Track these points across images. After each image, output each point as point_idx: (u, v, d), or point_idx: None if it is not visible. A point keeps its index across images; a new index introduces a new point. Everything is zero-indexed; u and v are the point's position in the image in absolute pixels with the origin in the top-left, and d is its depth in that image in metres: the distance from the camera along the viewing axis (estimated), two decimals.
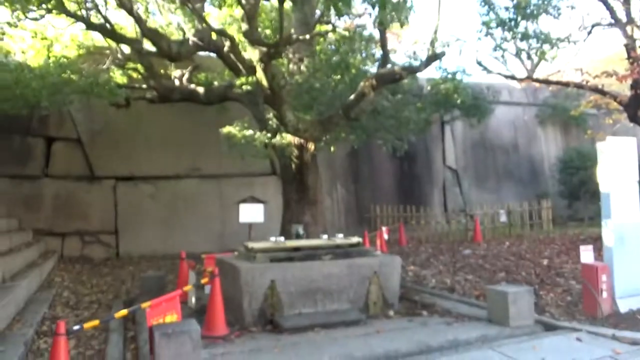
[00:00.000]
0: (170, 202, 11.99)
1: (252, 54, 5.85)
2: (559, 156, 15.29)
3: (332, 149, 8.30)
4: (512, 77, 10.24)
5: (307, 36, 6.56)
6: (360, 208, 13.49)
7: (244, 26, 5.68)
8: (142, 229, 11.55)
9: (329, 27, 9.82)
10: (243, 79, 6.80)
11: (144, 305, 3.78)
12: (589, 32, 10.36)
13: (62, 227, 11.19)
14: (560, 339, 4.42)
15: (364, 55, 9.14)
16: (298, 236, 6.20)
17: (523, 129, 16.33)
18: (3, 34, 8.07)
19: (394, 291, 5.65)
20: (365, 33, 9.90)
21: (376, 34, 10.50)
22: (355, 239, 6.00)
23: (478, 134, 15.31)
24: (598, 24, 10.45)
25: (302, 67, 8.05)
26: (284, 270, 5.17)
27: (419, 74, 10.62)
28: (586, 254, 5.27)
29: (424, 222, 12.67)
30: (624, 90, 9.69)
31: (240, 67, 6.36)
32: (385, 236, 10.97)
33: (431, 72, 9.74)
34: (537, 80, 10.43)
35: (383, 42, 6.53)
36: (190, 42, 7.28)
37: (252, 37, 5.63)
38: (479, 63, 10.10)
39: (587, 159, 14.37)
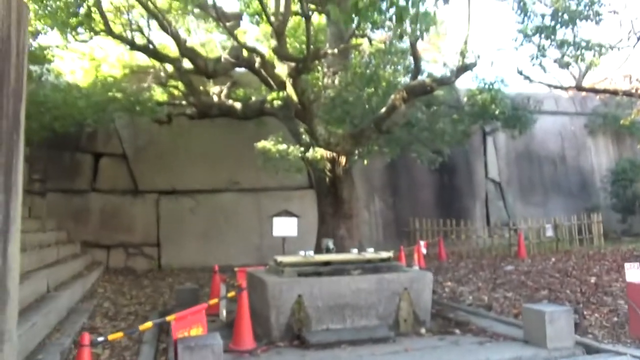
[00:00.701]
0: (209, 216, 12.25)
1: (281, 69, 5.93)
2: (611, 168, 14.51)
3: (365, 162, 8.23)
4: (557, 86, 9.86)
5: (336, 50, 6.58)
6: (398, 221, 13.27)
7: (274, 42, 5.76)
8: (182, 241, 11.84)
9: (364, 40, 9.88)
10: (274, 94, 6.89)
11: (169, 318, 3.84)
12: (639, 38, 9.85)
13: (108, 240, 11.65)
14: None
15: (399, 68, 9.06)
16: (328, 250, 6.16)
17: (571, 139, 15.63)
18: (53, 56, 8.57)
19: (426, 308, 5.48)
20: (402, 45, 9.86)
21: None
22: (385, 254, 5.88)
23: (522, 145, 14.78)
24: None
25: (335, 81, 8.08)
26: (312, 285, 5.13)
27: (457, 86, 10.46)
28: (632, 272, 4.93)
29: (464, 236, 12.32)
30: None
31: (272, 82, 6.45)
32: (424, 250, 10.74)
33: (470, 83, 9.49)
34: (583, 89, 9.99)
35: (415, 54, 6.44)
36: (223, 59, 7.46)
37: (281, 53, 5.70)
38: (520, 72, 9.82)
39: None
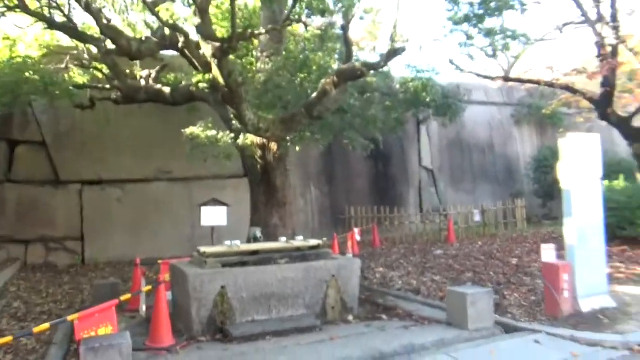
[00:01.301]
0: (138, 206, 11.64)
1: (205, 49, 5.63)
2: (534, 155, 15.28)
3: (297, 148, 8.08)
4: (485, 76, 10.15)
5: (263, 30, 6.34)
6: (334, 209, 13.28)
7: (197, 20, 5.45)
8: (109, 234, 11.18)
9: (300, 26, 9.67)
10: (200, 76, 6.56)
11: (71, 317, 3.51)
12: (561, 30, 10.34)
13: (26, 234, 10.78)
14: (518, 342, 4.27)
15: (332, 53, 8.93)
16: (256, 239, 5.98)
17: (499, 129, 16.31)
18: None
19: (354, 295, 5.45)
20: (337, 32, 9.75)
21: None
22: (314, 242, 5.78)
23: (454, 133, 15.23)
24: (570, 23, 10.43)
25: (265, 65, 7.84)
26: (236, 276, 4.93)
27: (393, 74, 10.49)
28: (548, 253, 5.14)
29: (398, 222, 12.53)
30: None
31: (196, 64, 6.12)
32: (358, 237, 10.81)
33: (404, 71, 9.56)
34: (509, 79, 10.35)
35: (346, 39, 6.34)
36: (145, 39, 7.00)
37: (205, 32, 5.40)
38: (451, 62, 10.01)
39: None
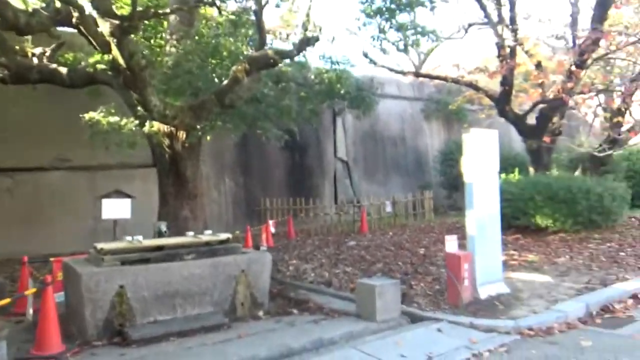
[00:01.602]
0: (32, 197, 10.59)
1: (103, 27, 5.12)
2: (441, 149, 16.09)
3: (208, 137, 7.74)
4: (396, 70, 10.42)
5: (168, 10, 5.95)
6: (249, 201, 13.04)
7: None
8: None
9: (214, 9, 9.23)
10: (97, 57, 6.02)
11: None
12: (466, 30, 10.89)
13: None
14: (422, 331, 4.40)
15: (251, 43, 8.64)
16: (160, 234, 5.63)
17: (410, 122, 16.95)
18: None
19: (264, 290, 5.32)
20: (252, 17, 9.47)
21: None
22: (224, 235, 5.56)
23: (368, 126, 15.58)
24: (474, 23, 11.02)
25: (173, 49, 7.39)
26: (137, 274, 4.59)
27: (310, 65, 10.41)
28: (451, 243, 5.36)
29: (313, 214, 12.58)
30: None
31: (94, 42, 5.58)
32: (272, 229, 10.69)
33: (320, 63, 9.52)
34: (419, 75, 10.73)
35: (259, 24, 6.12)
36: (33, 11, 6.27)
37: (102, 8, 4.91)
38: (365, 55, 10.15)
39: None
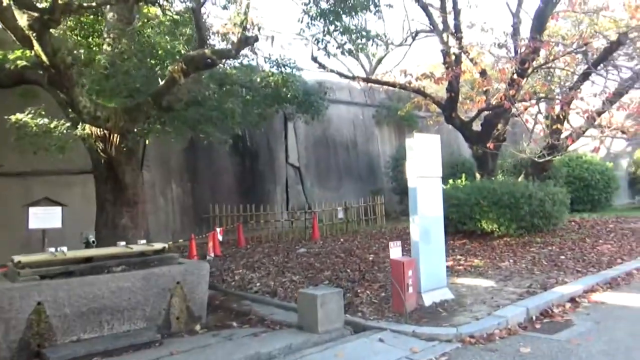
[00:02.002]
0: None
1: (20, 19, 4.70)
2: (392, 154, 16.22)
3: (147, 141, 7.36)
4: (345, 75, 10.37)
5: (94, 3, 5.58)
6: (198, 208, 12.60)
7: None
8: None
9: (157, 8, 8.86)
10: (18, 53, 5.56)
11: None
12: (413, 38, 11.00)
13: None
14: (363, 342, 4.26)
15: (183, 39, 8.29)
16: (88, 244, 5.23)
17: (362, 128, 17.01)
18: None
19: (201, 302, 5.03)
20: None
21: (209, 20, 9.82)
22: (159, 245, 5.24)
23: (320, 131, 15.49)
24: (422, 31, 11.16)
25: (108, 47, 6.98)
26: (57, 289, 4.21)
27: (262, 67, 10.16)
28: (395, 250, 5.28)
29: (264, 221, 12.31)
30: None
31: (13, 37, 5.13)
32: (220, 237, 10.35)
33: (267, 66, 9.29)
34: (367, 80, 10.73)
35: (198, 23, 5.85)
36: None
37: None
38: (315, 59, 10.03)
39: None
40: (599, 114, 8.78)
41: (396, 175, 15.50)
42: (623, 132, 8.06)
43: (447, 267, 7.19)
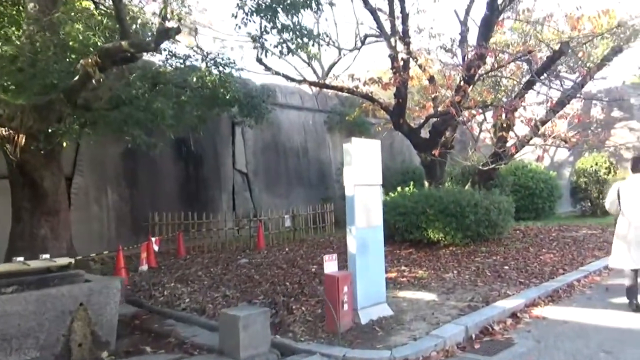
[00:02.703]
0: None
1: None
2: (342, 161, 15.93)
3: (64, 144, 6.68)
4: (289, 78, 9.98)
5: None
6: (136, 216, 11.81)
7: None
8: None
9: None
10: None
11: None
12: (362, 42, 10.76)
13: None
14: None
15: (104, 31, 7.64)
16: None
17: (313, 134, 16.67)
18: None
19: (110, 326, 4.45)
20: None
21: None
22: (64, 260, 4.62)
23: (270, 136, 15.02)
24: (371, 35, 10.93)
25: (25, 40, 6.29)
26: None
27: (208, 68, 9.58)
28: (330, 264, 4.89)
29: (207, 229, 11.69)
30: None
31: None
32: (155, 247, 9.68)
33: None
34: (314, 84, 10.38)
35: (119, 14, 5.29)
36: None
37: None
38: (259, 60, 9.59)
39: None
40: (543, 122, 8.80)
41: None
42: (565, 142, 8.07)
43: (390, 279, 6.90)
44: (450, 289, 6.22)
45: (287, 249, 10.60)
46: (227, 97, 7.74)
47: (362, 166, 5.05)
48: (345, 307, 4.67)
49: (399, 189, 10.76)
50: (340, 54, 10.84)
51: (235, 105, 8.40)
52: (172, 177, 12.81)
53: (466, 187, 10.69)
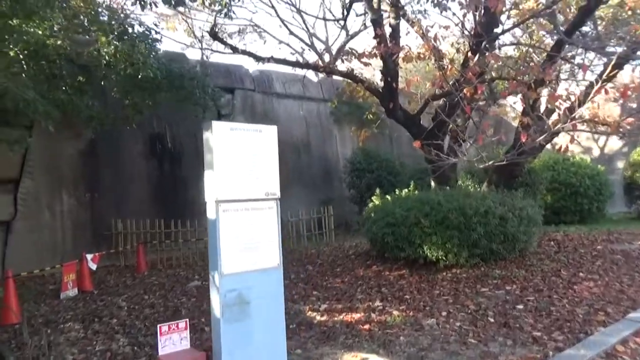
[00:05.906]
0: None
1: None
2: (349, 157, 13.86)
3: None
4: (258, 58, 8.04)
5: None
6: (98, 223, 10.27)
7: None
8: None
9: None
10: None
11: None
12: (348, 10, 8.70)
13: None
14: None
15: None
16: None
17: (317, 127, 14.67)
18: None
19: None
20: None
21: None
22: None
23: None
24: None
25: None
26: None
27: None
28: (173, 338, 2.93)
29: (183, 239, 9.99)
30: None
31: None
32: (92, 266, 8.08)
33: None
34: (274, 62, 8.25)
35: None
36: None
37: None
38: (214, 35, 7.74)
39: (373, 160, 13.11)
40: (582, 100, 6.38)
41: (354, 181, 13.16)
42: (606, 126, 5.67)
43: (348, 323, 4.88)
44: (421, 351, 4.12)
45: None
46: (139, 76, 5.91)
47: (235, 169, 3.07)
48: None
49: (405, 190, 8.62)
50: (347, 35, 8.81)
51: (153, 89, 6.51)
52: (143, 178, 11.19)
53: (482, 188, 8.42)
